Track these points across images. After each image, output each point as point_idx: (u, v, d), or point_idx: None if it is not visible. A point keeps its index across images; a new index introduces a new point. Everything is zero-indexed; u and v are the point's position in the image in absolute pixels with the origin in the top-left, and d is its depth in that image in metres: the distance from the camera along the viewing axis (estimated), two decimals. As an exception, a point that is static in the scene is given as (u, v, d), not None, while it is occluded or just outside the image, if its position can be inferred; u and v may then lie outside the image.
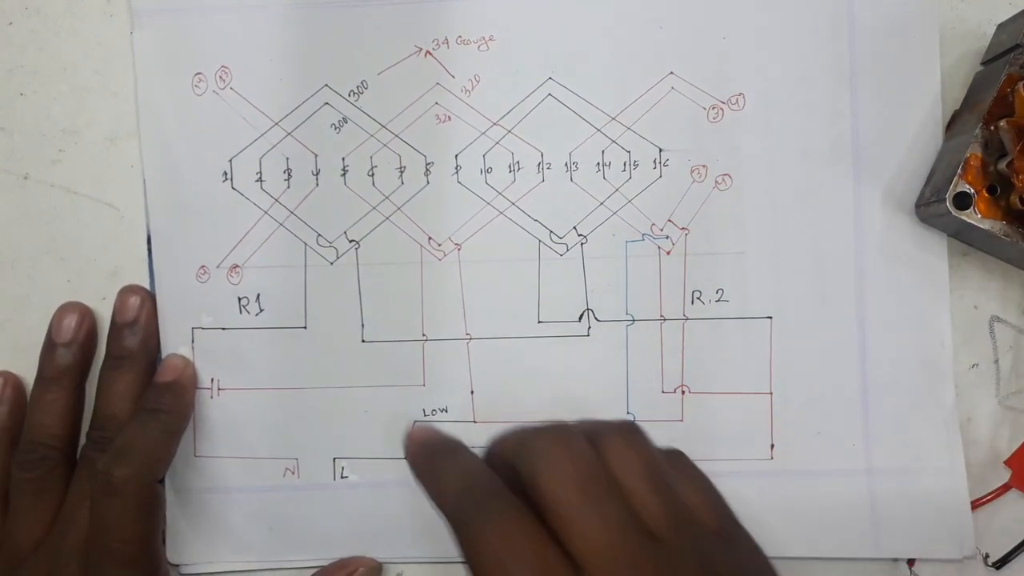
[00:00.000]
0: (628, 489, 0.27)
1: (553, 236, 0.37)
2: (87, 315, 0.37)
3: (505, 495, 0.27)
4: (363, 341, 0.37)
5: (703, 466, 0.35)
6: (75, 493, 0.35)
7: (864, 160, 0.36)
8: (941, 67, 0.36)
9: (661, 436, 0.36)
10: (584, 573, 0.25)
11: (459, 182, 0.37)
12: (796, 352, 0.36)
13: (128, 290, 0.37)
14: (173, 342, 0.37)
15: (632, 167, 0.37)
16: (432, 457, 0.30)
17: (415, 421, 0.37)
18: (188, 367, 0.37)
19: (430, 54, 0.37)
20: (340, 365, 0.37)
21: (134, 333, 0.37)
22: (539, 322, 0.37)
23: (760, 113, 0.36)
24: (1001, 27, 0.35)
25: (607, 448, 0.27)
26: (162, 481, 0.36)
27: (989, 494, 0.36)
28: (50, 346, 0.37)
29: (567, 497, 0.26)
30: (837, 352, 0.36)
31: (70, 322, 0.37)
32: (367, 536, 0.37)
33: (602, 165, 0.37)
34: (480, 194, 0.37)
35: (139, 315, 0.37)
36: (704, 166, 0.37)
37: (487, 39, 0.37)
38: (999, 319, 0.37)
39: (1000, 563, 0.36)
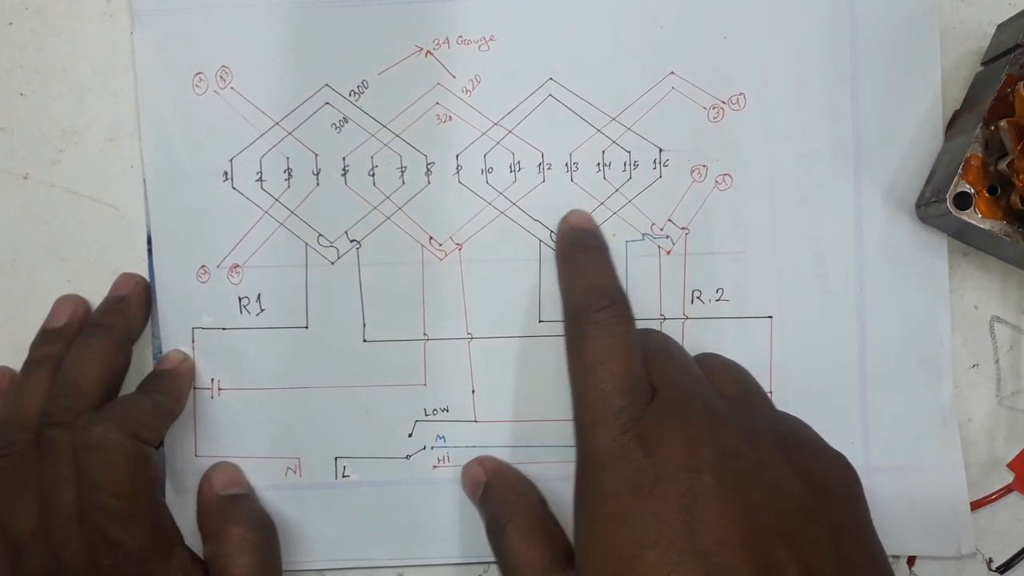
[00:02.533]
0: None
1: (554, 236, 0.37)
2: (81, 304, 0.37)
3: (620, 307, 0.32)
4: (364, 341, 0.37)
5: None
6: (47, 477, 0.33)
7: (864, 160, 0.36)
8: (941, 67, 0.36)
9: (662, 436, 0.36)
10: (658, 394, 0.30)
11: (460, 182, 0.37)
12: (796, 351, 0.36)
13: (128, 274, 0.37)
14: (173, 342, 0.37)
15: (632, 167, 0.37)
16: (579, 247, 0.35)
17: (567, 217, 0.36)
18: (186, 360, 0.37)
19: (431, 54, 0.37)
20: (341, 365, 0.37)
21: (119, 306, 0.36)
22: (540, 321, 0.37)
23: (760, 113, 0.36)
24: (1001, 27, 0.35)
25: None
26: (156, 447, 0.35)
27: (991, 495, 0.36)
28: (40, 332, 0.37)
29: (657, 346, 0.33)
30: (837, 351, 0.36)
31: (63, 309, 0.37)
32: (368, 536, 0.37)
33: (602, 165, 0.37)
34: (481, 194, 0.37)
35: (129, 293, 0.37)
36: (704, 166, 0.37)
37: (488, 39, 0.37)
38: (999, 319, 0.37)
39: (1004, 568, 0.36)
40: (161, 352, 0.37)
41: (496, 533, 0.33)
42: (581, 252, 0.35)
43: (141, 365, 0.37)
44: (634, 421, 0.29)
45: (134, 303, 0.37)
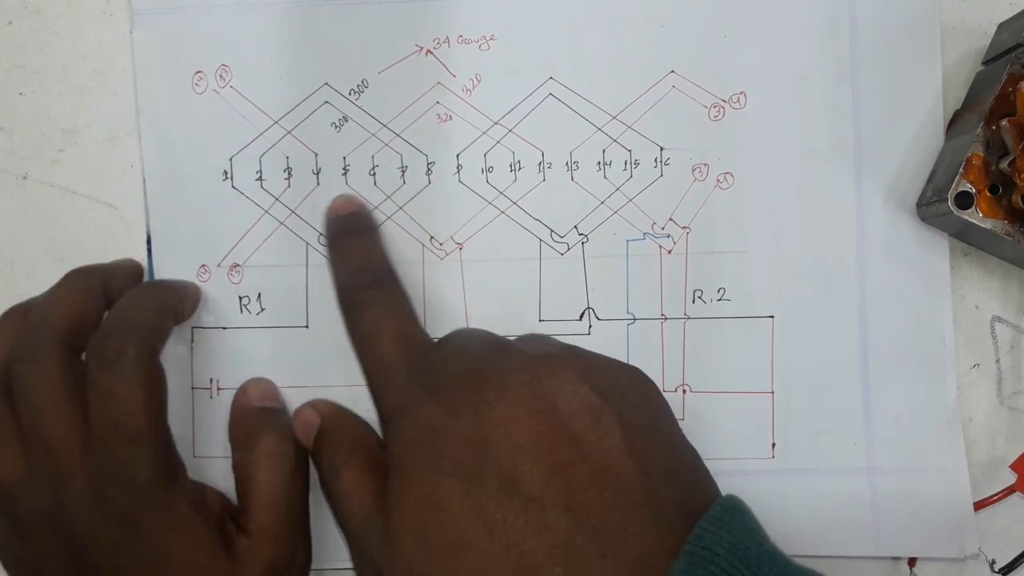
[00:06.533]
0: None
1: (554, 235, 0.37)
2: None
3: (383, 281, 0.34)
4: (364, 340, 0.37)
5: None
6: (30, 417, 0.32)
7: (865, 159, 0.36)
8: (942, 66, 0.36)
9: (663, 435, 0.36)
10: (439, 342, 0.32)
11: (460, 181, 0.37)
12: (797, 351, 0.36)
13: (126, 261, 0.37)
14: (173, 341, 0.37)
15: (633, 166, 0.37)
16: (341, 233, 0.36)
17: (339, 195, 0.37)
18: (197, 288, 0.37)
19: (431, 53, 0.37)
20: (342, 364, 0.36)
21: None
22: (540, 321, 0.37)
23: (761, 112, 0.36)
24: (1002, 26, 0.35)
25: None
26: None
27: (993, 496, 0.36)
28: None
29: None
30: (838, 351, 0.36)
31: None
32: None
33: (603, 164, 0.37)
34: (481, 193, 0.37)
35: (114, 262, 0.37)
36: (705, 165, 0.37)
37: (488, 38, 0.37)
38: (1000, 319, 0.37)
39: (1007, 569, 0.36)
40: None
41: (331, 478, 0.32)
42: (343, 238, 0.35)
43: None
44: (416, 371, 0.31)
45: (115, 262, 0.36)
